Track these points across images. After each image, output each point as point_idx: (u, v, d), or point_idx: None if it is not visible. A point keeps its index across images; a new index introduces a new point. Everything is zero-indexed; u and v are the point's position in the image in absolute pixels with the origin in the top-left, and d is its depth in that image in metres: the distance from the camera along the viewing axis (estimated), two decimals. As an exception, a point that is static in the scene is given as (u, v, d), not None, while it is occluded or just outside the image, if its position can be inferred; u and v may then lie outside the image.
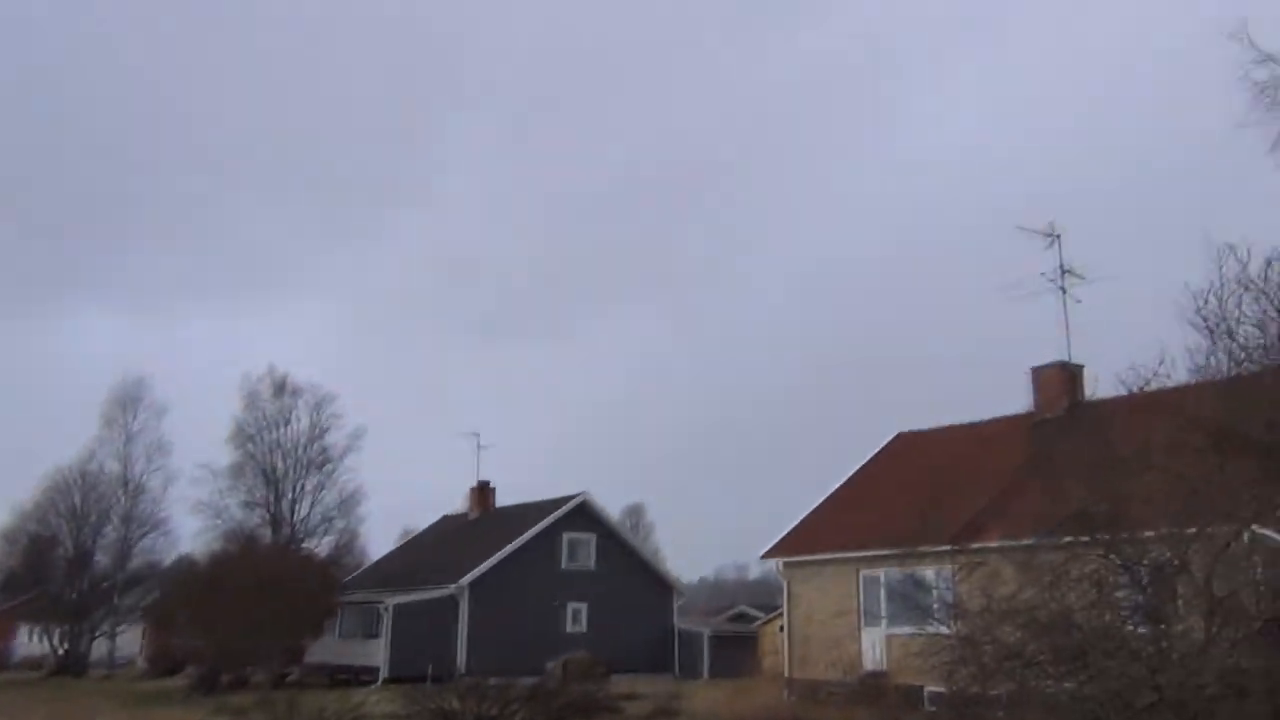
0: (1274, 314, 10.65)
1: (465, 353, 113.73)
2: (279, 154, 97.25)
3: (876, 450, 25.92)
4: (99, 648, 48.84)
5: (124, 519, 49.49)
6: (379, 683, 30.11)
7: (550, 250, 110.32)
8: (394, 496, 75.36)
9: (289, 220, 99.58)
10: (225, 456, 44.84)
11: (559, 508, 36.08)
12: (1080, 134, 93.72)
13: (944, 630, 12.59)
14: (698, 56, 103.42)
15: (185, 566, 46.27)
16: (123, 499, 49.46)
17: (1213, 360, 11.09)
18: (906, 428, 26.10)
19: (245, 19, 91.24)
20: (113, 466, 49.64)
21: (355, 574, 42.60)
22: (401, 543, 47.25)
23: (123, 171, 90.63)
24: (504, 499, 41.04)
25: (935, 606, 13.83)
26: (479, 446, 40.45)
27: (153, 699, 32.47)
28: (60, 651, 49.03)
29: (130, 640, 51.21)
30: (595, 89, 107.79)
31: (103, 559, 49.75)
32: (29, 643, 58.61)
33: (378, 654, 32.32)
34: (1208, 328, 10.91)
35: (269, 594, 31.66)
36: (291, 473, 45.09)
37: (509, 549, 34.29)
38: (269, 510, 44.73)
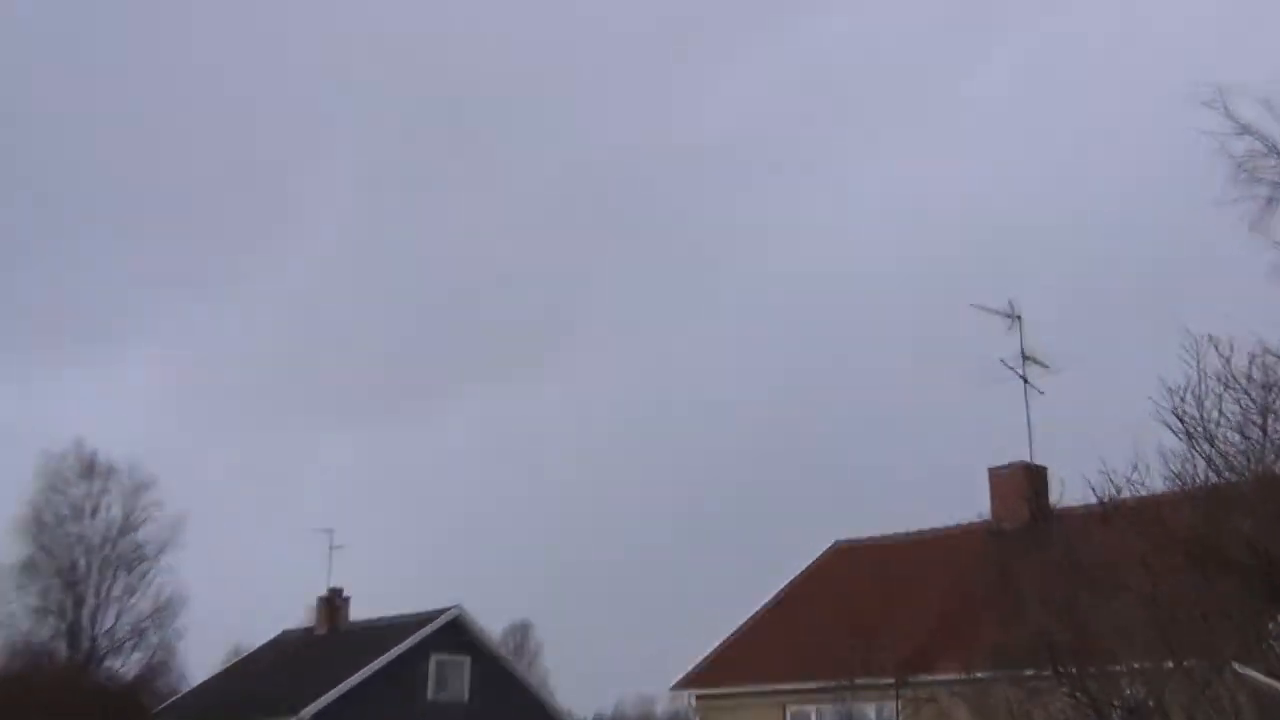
0: (1257, 417, 11.16)
1: (319, 435, 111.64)
2: (97, 192, 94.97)
3: (809, 563, 26.12)
4: None
5: None
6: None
7: (424, 322, 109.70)
8: (222, 605, 72.76)
9: (107, 269, 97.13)
10: (13, 551, 43.03)
11: (427, 624, 35.41)
12: (1043, 207, 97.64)
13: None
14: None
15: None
16: None
17: (1190, 467, 11.54)
18: (844, 536, 26.41)
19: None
20: None
21: (170, 701, 40.99)
22: (230, 664, 45.68)
23: None
24: (360, 612, 40.08)
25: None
26: (331, 546, 39.50)
27: None
28: None
29: None
30: (464, 143, 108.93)
31: None
32: None
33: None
34: (1185, 430, 11.37)
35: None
36: (96, 573, 43.51)
37: (364, 674, 33.40)
38: (66, 619, 42.91)
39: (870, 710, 15.88)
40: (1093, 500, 12.29)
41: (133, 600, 44.11)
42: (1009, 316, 22.43)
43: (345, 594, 40.24)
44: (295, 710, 32.21)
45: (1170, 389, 11.41)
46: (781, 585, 25.69)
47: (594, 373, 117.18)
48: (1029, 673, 11.66)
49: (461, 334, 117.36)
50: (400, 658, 34.36)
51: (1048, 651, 10.89)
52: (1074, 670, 10.72)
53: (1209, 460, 11.40)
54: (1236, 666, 9.85)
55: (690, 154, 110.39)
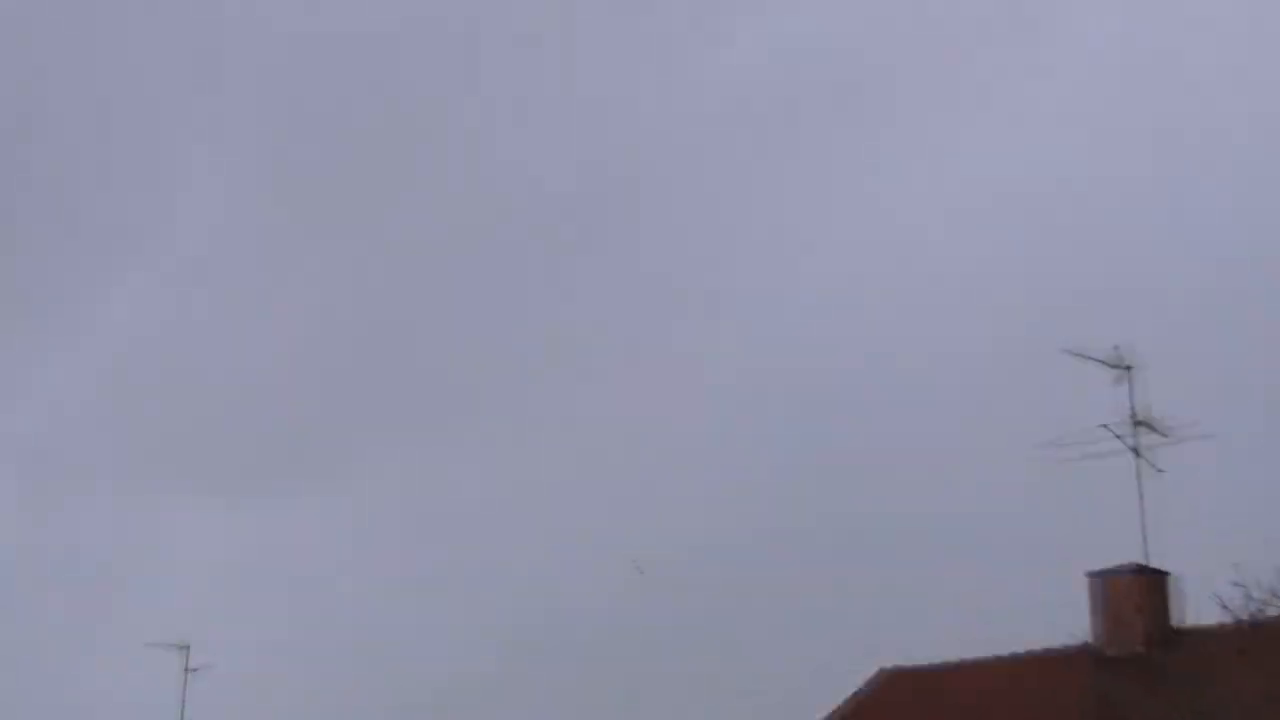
0: None
1: (162, 516, 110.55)
2: None
3: (842, 700, 26.00)
4: None
5: None
6: None
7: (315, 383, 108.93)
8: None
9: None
10: None
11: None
12: (1161, 212, 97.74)
13: None
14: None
15: None
16: None
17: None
18: (891, 663, 26.39)
19: None
20: None
21: None
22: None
23: None
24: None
25: None
26: (187, 669, 39.46)
27: None
28: None
29: None
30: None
31: None
32: None
33: None
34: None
35: None
36: None
37: None
38: None
39: None
40: (1229, 620, 12.33)
41: None
42: (1116, 367, 22.28)
43: (213, 736, 40.10)
44: None
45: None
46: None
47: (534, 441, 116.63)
48: None
49: (370, 393, 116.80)
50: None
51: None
52: None
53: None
54: None
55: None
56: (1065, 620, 22.17)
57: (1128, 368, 22.32)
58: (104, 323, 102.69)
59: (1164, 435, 21.96)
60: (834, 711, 25.87)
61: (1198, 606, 14.46)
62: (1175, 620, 18.89)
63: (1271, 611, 11.47)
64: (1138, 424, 22.04)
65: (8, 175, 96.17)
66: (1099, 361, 22.21)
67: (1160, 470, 21.85)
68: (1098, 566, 22.22)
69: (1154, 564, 21.59)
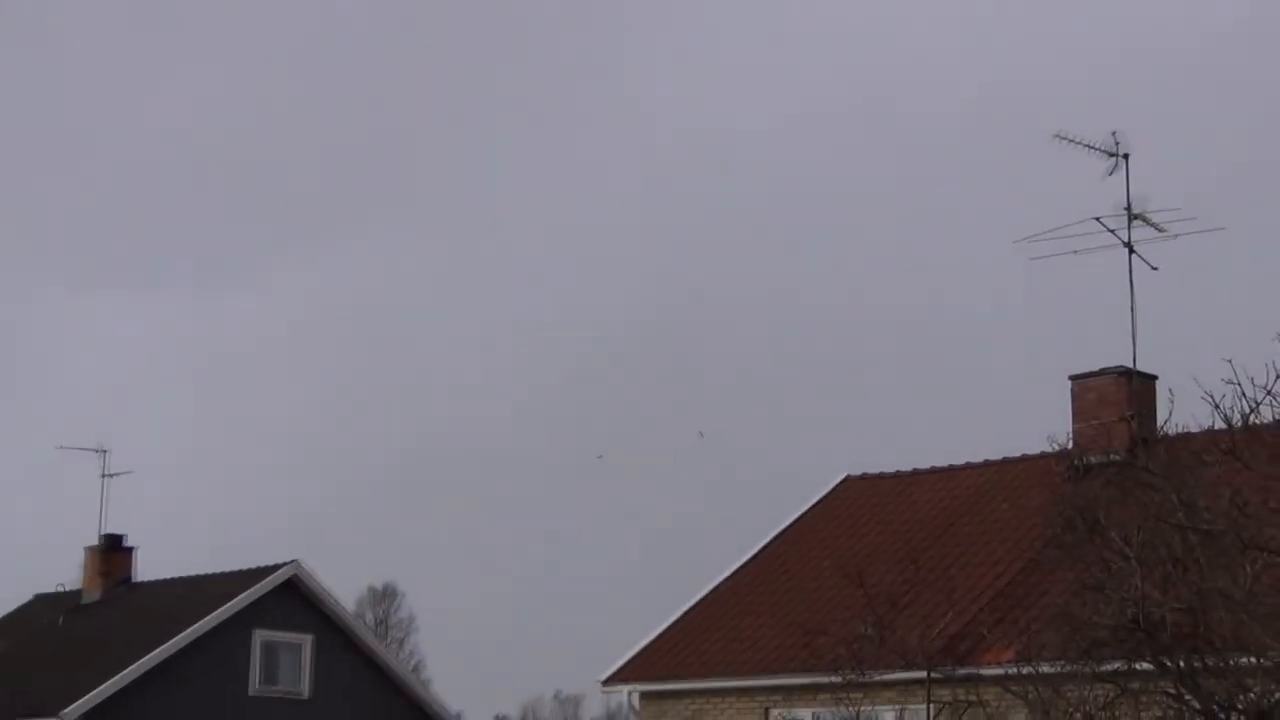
0: None
1: (93, 304, 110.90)
2: None
3: (804, 509, 26.29)
4: None
5: None
6: None
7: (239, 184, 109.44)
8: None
9: None
10: None
11: (250, 585, 35.52)
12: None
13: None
14: None
15: None
16: None
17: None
18: (856, 470, 26.63)
19: None
20: None
21: None
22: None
23: None
24: (153, 568, 40.31)
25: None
26: (105, 474, 39.43)
27: None
28: None
29: None
30: None
31: None
32: None
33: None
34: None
35: None
36: None
37: (155, 657, 33.53)
38: None
39: (889, 714, 16.17)
40: (1219, 424, 12.27)
41: None
42: (1110, 155, 22.14)
43: (128, 543, 40.21)
44: (52, 711, 32.29)
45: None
46: (764, 540, 25.88)
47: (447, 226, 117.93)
48: (1116, 664, 11.82)
49: (274, 184, 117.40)
50: (212, 634, 34.50)
51: (1145, 634, 11.03)
52: (1181, 661, 10.87)
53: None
54: None
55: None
56: (1044, 426, 22.32)
57: (1124, 156, 22.06)
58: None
59: (1160, 230, 21.96)
60: (790, 522, 26.10)
61: (1190, 410, 14.44)
62: (1161, 426, 18.92)
63: (1265, 411, 11.30)
64: (1133, 217, 21.85)
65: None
66: (1092, 148, 21.96)
67: (1154, 268, 21.86)
68: (1082, 369, 22.42)
69: (1142, 367, 21.87)
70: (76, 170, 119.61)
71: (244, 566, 36.87)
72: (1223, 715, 10.72)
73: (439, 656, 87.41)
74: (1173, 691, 11.02)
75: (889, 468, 26.15)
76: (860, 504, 25.70)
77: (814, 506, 26.25)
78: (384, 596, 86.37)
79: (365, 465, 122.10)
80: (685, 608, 24.62)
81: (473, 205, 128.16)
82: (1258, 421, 11.91)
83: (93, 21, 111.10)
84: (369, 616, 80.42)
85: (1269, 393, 11.59)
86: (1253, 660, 10.61)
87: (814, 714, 20.35)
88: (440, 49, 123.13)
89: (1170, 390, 16.36)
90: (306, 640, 36.22)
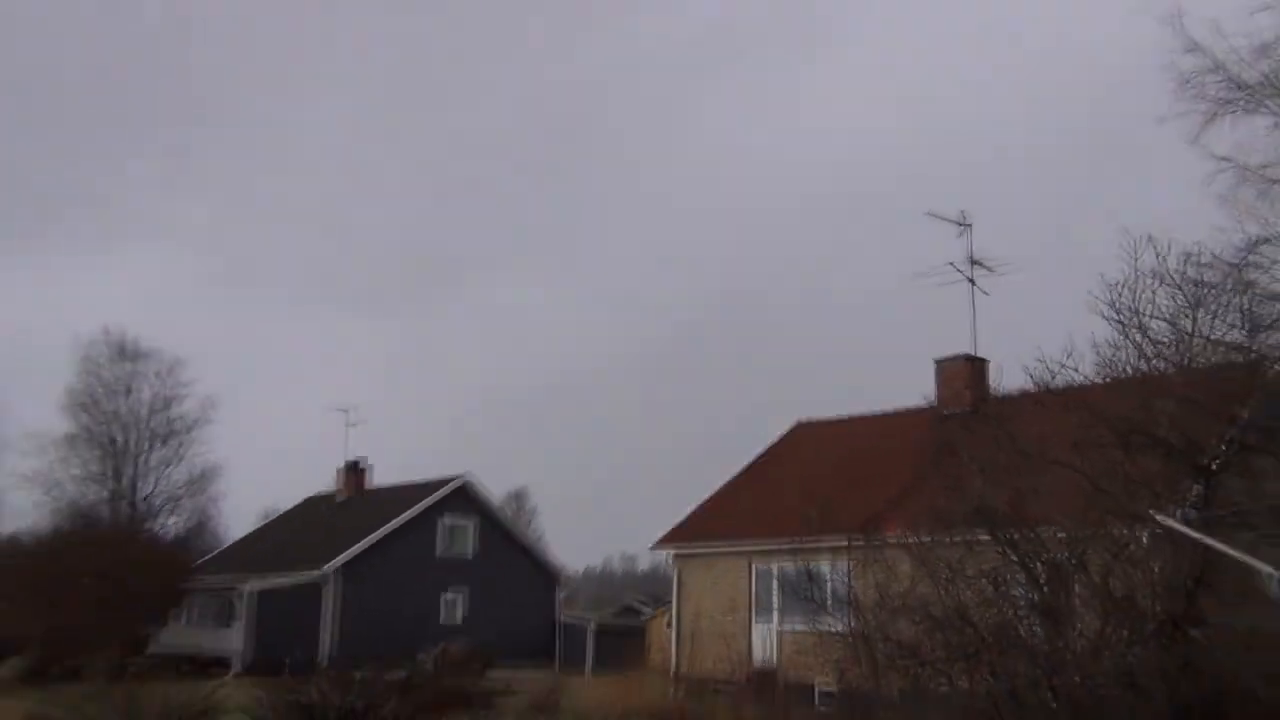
0: (1187, 309, 11.05)
1: (333, 321, 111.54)
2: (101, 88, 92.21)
3: (774, 440, 26.26)
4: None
5: (-64, 495, 47.13)
6: (232, 673, 29.34)
7: (422, 216, 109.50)
8: (254, 475, 73.41)
9: (122, 163, 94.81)
10: (59, 425, 42.80)
11: (437, 490, 35.70)
12: (992, 122, 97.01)
13: (838, 627, 12.83)
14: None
15: (14, 546, 44.16)
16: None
17: (1123, 355, 11.45)
18: (806, 417, 26.54)
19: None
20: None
21: (209, 557, 41.31)
22: (263, 524, 46.06)
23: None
24: (378, 480, 40.43)
25: (829, 602, 14.10)
26: (349, 423, 39.75)
27: (-28, 690, 30.96)
28: None
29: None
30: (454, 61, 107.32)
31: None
32: None
33: (232, 642, 31.53)
34: (1120, 320, 11.26)
35: (108, 578, 30.52)
36: (134, 446, 43.44)
37: (381, 532, 33.78)
38: (109, 486, 42.96)
39: (825, 567, 16.05)
40: (1030, 387, 12.21)
41: (170, 470, 44.16)
42: (961, 225, 22.19)
43: (364, 464, 40.47)
44: (321, 564, 32.58)
45: (1108, 284, 11.30)
46: (749, 459, 25.87)
47: (579, 261, 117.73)
48: (967, 535, 11.72)
49: (466, 229, 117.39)
50: (414, 519, 34.70)
51: (984, 516, 10.91)
52: (1006, 533, 10.75)
53: (1140, 349, 11.31)
54: (1157, 516, 9.90)
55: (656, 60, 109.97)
56: (919, 390, 22.41)
57: (968, 225, 22.32)
58: (282, 193, 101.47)
59: (990, 270, 22.02)
60: (765, 449, 25.99)
61: (1009, 379, 14.62)
62: (992, 390, 18.86)
63: (1059, 380, 11.29)
64: (974, 263, 21.97)
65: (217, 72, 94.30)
66: (949, 220, 22.12)
67: (986, 294, 22.08)
68: (941, 355, 22.46)
69: (979, 354, 21.89)
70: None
71: (431, 478, 37.05)
72: (1031, 565, 10.59)
73: (551, 530, 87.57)
74: (1000, 551, 10.89)
75: (830, 415, 26.11)
76: (810, 438, 25.62)
77: (778, 442, 26.18)
78: (519, 494, 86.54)
79: (510, 401, 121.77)
80: (700, 501, 24.67)
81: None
82: (1052, 386, 11.87)
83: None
84: (510, 507, 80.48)
85: (1062, 365, 11.57)
86: (1050, 531, 10.51)
87: (779, 565, 20.26)
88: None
89: (1000, 367, 16.38)
90: (472, 522, 36.38)
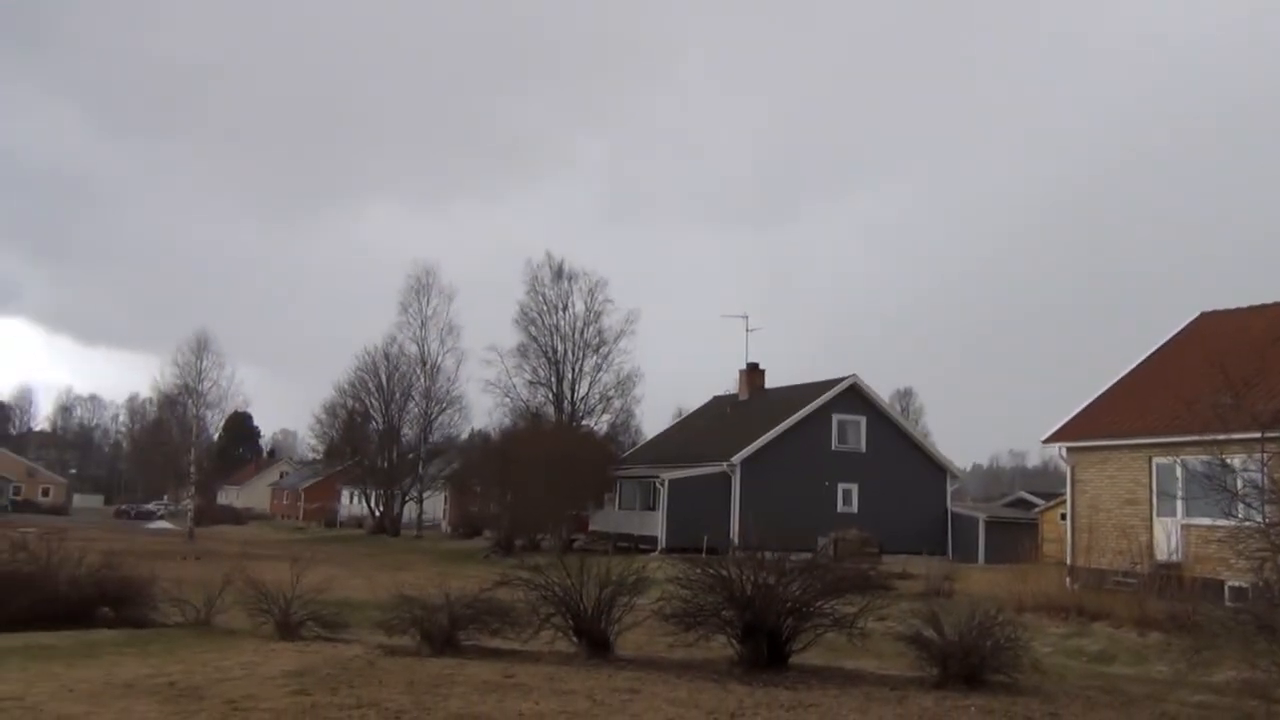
0: None
1: (725, 238, 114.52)
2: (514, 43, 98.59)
3: (1174, 332, 24.07)
4: (408, 511, 54.55)
5: (424, 396, 54.65)
6: (657, 551, 31.85)
7: (792, 132, 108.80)
8: (666, 378, 78.10)
9: (536, 108, 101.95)
10: (510, 339, 48.15)
11: (828, 390, 36.19)
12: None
13: (1255, 519, 11.77)
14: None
15: (480, 441, 50.50)
16: (421, 378, 54.55)
17: None
18: (1209, 308, 24.06)
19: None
20: (411, 348, 54.73)
21: (632, 450, 44.83)
22: (674, 422, 49.19)
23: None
24: (773, 381, 41.48)
25: (1245, 492, 12.91)
26: (747, 330, 40.94)
27: (458, 558, 36.10)
28: (376, 513, 55.20)
29: (434, 505, 56.85)
30: None
31: (408, 432, 55.21)
32: (349, 504, 66.40)
33: (655, 525, 34.16)
34: None
35: (555, 467, 34.08)
36: (570, 354, 47.88)
37: (779, 429, 34.89)
38: (551, 390, 47.82)
39: (1235, 460, 14.68)
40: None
41: (599, 375, 48.22)
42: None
43: (761, 367, 41.73)
44: (727, 457, 34.32)
45: None
46: (1147, 352, 23.95)
47: (964, 166, 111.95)
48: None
49: (833, 142, 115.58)
50: (808, 416, 35.49)
51: None
52: None
53: None
54: None
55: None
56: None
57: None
58: (665, 122, 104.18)
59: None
60: (1167, 339, 23.95)
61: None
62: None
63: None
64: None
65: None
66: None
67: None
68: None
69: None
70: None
71: (825, 378, 37.53)
72: None
73: (937, 429, 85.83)
74: None
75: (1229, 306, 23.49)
76: (1215, 328, 23.20)
77: (1180, 333, 23.97)
78: (905, 393, 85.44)
79: (895, 307, 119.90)
80: (1097, 395, 23.22)
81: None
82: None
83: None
84: (897, 405, 79.74)
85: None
86: None
87: (1182, 460, 18.75)
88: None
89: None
90: (862, 419, 36.52)
